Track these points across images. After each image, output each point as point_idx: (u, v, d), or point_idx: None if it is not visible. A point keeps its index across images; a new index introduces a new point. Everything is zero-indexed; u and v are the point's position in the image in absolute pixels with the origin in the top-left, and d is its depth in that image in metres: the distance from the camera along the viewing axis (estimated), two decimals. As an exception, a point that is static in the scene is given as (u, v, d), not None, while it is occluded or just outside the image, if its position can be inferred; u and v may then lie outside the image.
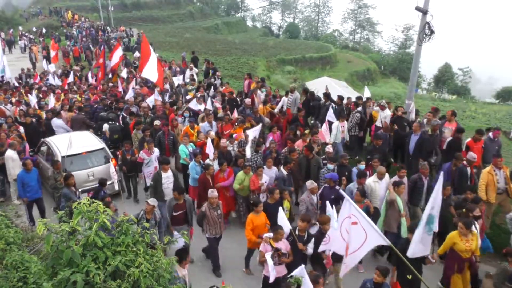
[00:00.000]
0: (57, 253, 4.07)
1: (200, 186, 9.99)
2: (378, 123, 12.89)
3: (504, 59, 79.60)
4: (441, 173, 6.75)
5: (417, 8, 12.15)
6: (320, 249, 7.18)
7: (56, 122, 14.13)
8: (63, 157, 11.15)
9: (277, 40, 63.48)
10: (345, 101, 14.18)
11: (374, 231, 5.84)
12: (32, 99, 16.78)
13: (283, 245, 7.31)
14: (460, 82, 57.78)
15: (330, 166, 9.93)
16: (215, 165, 10.56)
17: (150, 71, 16.21)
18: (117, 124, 13.72)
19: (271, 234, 7.19)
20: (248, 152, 11.18)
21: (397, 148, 12.11)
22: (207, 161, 10.65)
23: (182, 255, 6.44)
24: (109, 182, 11.52)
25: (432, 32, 12.03)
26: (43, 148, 12.30)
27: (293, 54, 45.44)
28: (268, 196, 9.10)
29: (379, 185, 9.25)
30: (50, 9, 56.65)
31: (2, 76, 21.38)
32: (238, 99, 16.49)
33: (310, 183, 8.96)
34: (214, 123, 13.60)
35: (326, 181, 9.42)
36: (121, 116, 14.58)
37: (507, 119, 30.33)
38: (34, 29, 42.18)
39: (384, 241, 5.81)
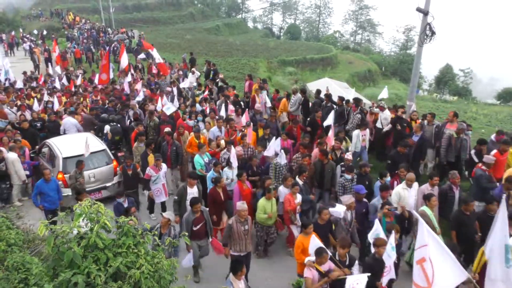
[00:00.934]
0: (58, 255, 4.06)
1: (209, 200, 9.22)
2: (378, 124, 12.90)
3: (505, 60, 79.54)
4: (503, 202, 5.80)
5: (418, 9, 12.15)
6: (384, 282, 6.47)
7: (70, 121, 14.15)
8: (64, 158, 11.15)
9: (278, 41, 63.62)
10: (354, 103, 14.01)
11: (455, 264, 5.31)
12: (36, 102, 16.56)
13: (328, 267, 6.59)
14: (461, 83, 57.78)
15: (348, 176, 9.44)
16: (234, 174, 9.97)
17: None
18: (119, 125, 13.71)
19: (313, 258, 6.56)
20: (283, 158, 10.16)
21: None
22: (225, 170, 10.10)
23: (237, 266, 6.20)
24: (108, 184, 11.57)
25: (433, 33, 12.03)
26: (45, 150, 12.29)
27: (294, 55, 45.50)
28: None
29: (408, 193, 8.69)
30: (51, 11, 56.71)
31: (6, 79, 21.19)
32: (242, 101, 16.25)
33: (347, 199, 8.17)
34: (223, 128, 12.94)
35: (353, 195, 8.62)
36: (128, 120, 14.44)
37: (508, 120, 30.29)
38: (35, 32, 42.18)
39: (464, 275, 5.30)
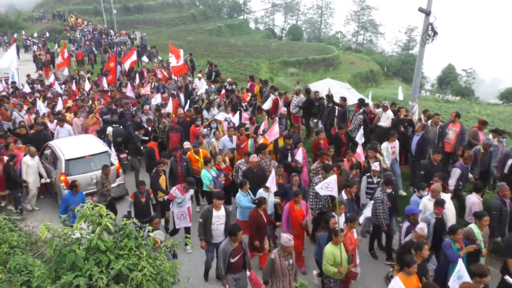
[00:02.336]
0: (60, 257, 4.07)
1: (253, 224, 8.28)
2: (381, 123, 12.86)
3: (507, 60, 79.25)
4: None
5: (420, 9, 12.14)
6: None
7: (62, 131, 13.70)
8: (66, 160, 11.16)
9: (280, 42, 63.66)
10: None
11: None
12: (41, 106, 16.03)
13: None
14: (464, 83, 57.67)
15: (388, 190, 8.77)
16: (271, 197, 9.02)
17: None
18: (121, 127, 13.72)
19: None
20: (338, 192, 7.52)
21: (402, 150, 12.10)
22: (260, 191, 8.98)
23: None
24: (113, 185, 11.56)
25: (435, 33, 12.01)
26: (47, 152, 12.31)
27: (296, 56, 45.55)
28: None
29: (432, 205, 8.13)
30: (53, 13, 56.93)
31: (14, 82, 20.72)
32: (250, 104, 15.76)
33: (420, 227, 7.10)
34: (234, 137, 12.02)
35: (409, 217, 7.79)
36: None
37: (511, 120, 30.23)
38: (35, 34, 42.25)
39: None
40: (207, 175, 10.20)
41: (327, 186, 6.96)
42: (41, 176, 11.65)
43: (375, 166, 9.53)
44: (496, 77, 74.29)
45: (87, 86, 20.34)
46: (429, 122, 11.89)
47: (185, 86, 18.80)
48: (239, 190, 9.05)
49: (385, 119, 12.61)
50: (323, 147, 11.47)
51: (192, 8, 77.35)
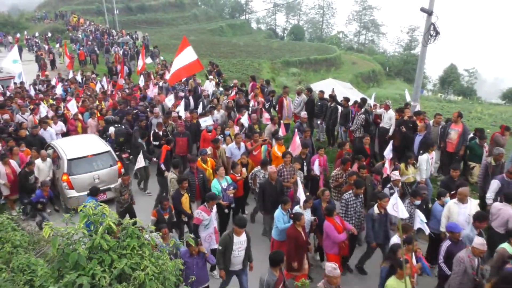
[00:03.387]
0: (63, 256, 4.08)
1: (291, 243, 7.56)
2: (383, 124, 12.85)
3: (510, 60, 79.18)
4: None
5: (422, 9, 12.13)
6: None
7: (45, 133, 13.35)
8: (68, 160, 11.18)
9: (282, 42, 63.64)
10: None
11: None
12: (42, 109, 15.46)
13: None
14: (466, 83, 57.56)
15: (417, 202, 8.13)
16: (308, 215, 8.22)
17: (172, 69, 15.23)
18: (123, 127, 13.72)
19: None
20: (404, 211, 6.71)
21: (404, 150, 12.09)
22: (296, 209, 8.20)
23: None
24: (112, 186, 11.59)
25: (437, 33, 12.00)
26: (49, 151, 12.34)
27: (297, 56, 45.55)
28: None
29: (458, 208, 7.80)
30: (56, 13, 57.06)
31: (22, 82, 20.36)
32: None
33: (480, 242, 6.37)
34: (243, 144, 11.39)
35: (449, 235, 7.13)
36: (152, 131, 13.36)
37: (514, 120, 30.13)
38: (37, 34, 42.31)
39: None
40: (217, 185, 9.30)
41: (396, 207, 6.51)
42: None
43: (395, 175, 8.98)
44: (498, 77, 74.27)
45: (98, 86, 20.09)
46: (431, 122, 11.88)
47: (194, 88, 18.11)
48: (279, 208, 8.14)
49: (387, 119, 12.60)
50: (349, 158, 10.51)
51: (194, 8, 77.41)
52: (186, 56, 14.66)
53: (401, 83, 49.90)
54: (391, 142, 10.56)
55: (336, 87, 17.19)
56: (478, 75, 61.67)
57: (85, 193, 10.92)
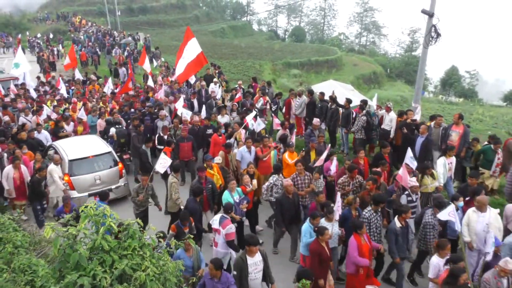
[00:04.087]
0: (64, 257, 4.08)
1: (315, 259, 7.07)
2: (384, 126, 12.85)
3: (511, 62, 79.22)
4: None
5: (423, 11, 12.14)
6: None
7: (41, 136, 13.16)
8: (70, 160, 11.20)
9: (283, 43, 63.70)
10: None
11: None
12: (47, 109, 15.42)
13: None
14: (467, 85, 57.59)
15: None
16: (335, 228, 7.77)
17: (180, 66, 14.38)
18: (124, 128, 13.75)
19: None
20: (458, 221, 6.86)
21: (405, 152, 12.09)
22: (322, 222, 7.64)
23: None
24: (113, 187, 11.61)
25: (438, 34, 12.01)
26: (50, 152, 12.35)
27: (299, 58, 45.60)
28: None
29: (476, 218, 7.57)
30: (58, 14, 57.21)
31: (23, 84, 20.08)
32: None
33: (505, 263, 6.05)
34: (253, 148, 10.88)
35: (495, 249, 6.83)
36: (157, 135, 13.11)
37: (515, 122, 30.09)
38: (39, 35, 42.39)
39: None
40: (229, 199, 8.62)
41: (451, 214, 6.49)
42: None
43: (413, 181, 8.66)
44: (500, 78, 74.26)
45: (106, 88, 19.90)
46: (432, 123, 11.87)
47: (198, 91, 17.68)
48: (307, 222, 7.70)
49: (388, 121, 12.60)
50: (363, 168, 10.29)
51: (195, 9, 77.51)
52: (192, 50, 14.07)
53: (402, 84, 49.90)
54: (409, 149, 9.88)
55: (337, 89, 17.17)
56: (479, 77, 61.70)
57: (86, 194, 10.98)
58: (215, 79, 18.16)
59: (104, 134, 13.75)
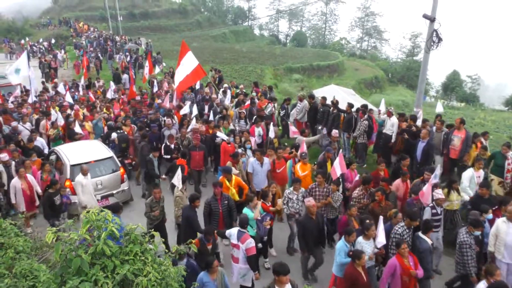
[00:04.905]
0: (66, 262, 4.08)
1: (348, 284, 6.55)
2: (385, 131, 12.83)
3: (513, 66, 79.22)
4: None
5: (425, 16, 12.17)
6: None
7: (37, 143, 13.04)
8: (71, 165, 11.19)
9: (284, 48, 63.82)
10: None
11: None
12: (54, 115, 15.00)
13: None
14: (469, 90, 57.53)
15: (477, 232, 7.26)
16: (370, 246, 7.15)
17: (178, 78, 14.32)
18: (126, 133, 13.74)
19: None
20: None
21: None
22: (359, 240, 7.12)
23: None
24: (115, 191, 11.60)
25: (439, 39, 12.03)
26: (52, 157, 12.35)
27: (300, 62, 45.63)
28: None
29: (506, 228, 7.25)
30: (60, 19, 57.49)
31: (28, 90, 19.80)
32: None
33: None
34: (266, 159, 10.41)
35: None
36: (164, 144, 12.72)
37: (517, 127, 30.03)
38: (41, 40, 42.54)
39: None
40: (250, 215, 8.04)
41: None
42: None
43: (438, 194, 8.16)
44: (501, 83, 74.26)
45: (109, 94, 19.77)
46: (434, 128, 11.86)
47: (202, 98, 17.17)
48: (342, 239, 7.11)
49: (390, 126, 12.59)
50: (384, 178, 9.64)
51: (197, 14, 77.79)
52: (188, 63, 14.14)
53: (403, 89, 49.91)
54: (439, 166, 9.41)
55: (339, 93, 17.21)
56: (481, 81, 61.66)
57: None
58: (225, 85, 17.66)
59: (106, 139, 13.76)
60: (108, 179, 11.57)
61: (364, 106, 13.62)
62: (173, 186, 10.03)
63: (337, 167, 9.25)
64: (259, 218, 8.02)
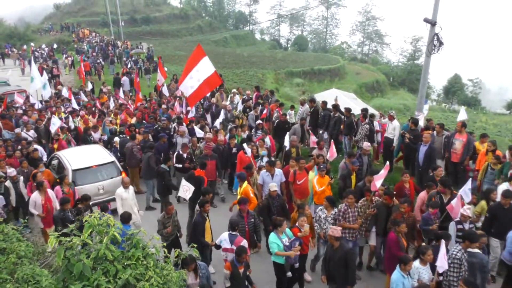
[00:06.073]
0: (68, 267, 4.08)
1: None
2: (387, 134, 12.84)
3: (514, 70, 79.16)
4: None
5: (426, 20, 12.19)
6: None
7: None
8: (73, 170, 11.20)
9: (286, 52, 63.94)
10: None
11: None
12: (56, 122, 14.43)
13: None
14: (470, 93, 57.55)
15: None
16: (426, 272, 6.59)
17: (188, 85, 13.30)
18: (128, 137, 13.75)
19: None
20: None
21: (408, 160, 12.08)
22: (416, 265, 6.56)
23: None
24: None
25: (441, 43, 12.06)
26: (54, 162, 12.37)
27: (301, 67, 45.71)
28: None
29: None
30: (62, 25, 57.74)
31: (28, 96, 19.94)
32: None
33: None
34: (279, 171, 9.91)
35: None
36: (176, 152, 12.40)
37: (519, 130, 30.02)
38: (43, 46, 42.67)
39: None
40: (276, 240, 7.35)
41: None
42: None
43: (467, 210, 7.65)
44: (503, 86, 74.26)
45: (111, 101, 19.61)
46: (435, 132, 11.87)
47: (208, 106, 16.80)
48: (397, 268, 6.42)
49: (391, 129, 12.59)
50: (409, 192, 9.18)
51: (198, 19, 77.96)
52: (204, 69, 13.05)
53: (405, 93, 49.92)
54: (470, 180, 8.53)
55: (340, 97, 17.21)
56: (482, 85, 61.66)
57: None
58: (234, 90, 17.32)
59: (108, 144, 13.78)
60: (110, 183, 11.56)
61: (365, 110, 13.64)
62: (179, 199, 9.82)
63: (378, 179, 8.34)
64: (287, 244, 7.32)
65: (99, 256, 4.14)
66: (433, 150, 10.98)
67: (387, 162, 9.39)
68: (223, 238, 7.28)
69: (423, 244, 6.80)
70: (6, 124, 15.06)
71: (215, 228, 8.52)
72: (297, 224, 7.65)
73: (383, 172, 8.39)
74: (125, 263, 4.22)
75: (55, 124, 14.13)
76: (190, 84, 13.30)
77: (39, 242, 7.32)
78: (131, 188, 9.95)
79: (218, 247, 7.64)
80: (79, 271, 3.97)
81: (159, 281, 4.19)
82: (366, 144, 11.10)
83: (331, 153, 10.31)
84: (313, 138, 12.46)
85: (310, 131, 13.90)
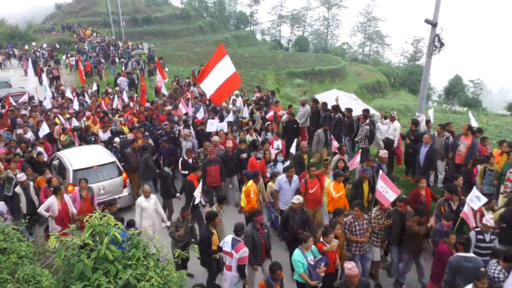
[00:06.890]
0: (68, 267, 4.08)
1: None
2: (388, 135, 12.82)
3: (515, 71, 79.09)
4: None
5: (427, 21, 12.18)
6: None
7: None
8: (74, 170, 11.21)
9: (287, 53, 63.99)
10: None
11: None
12: (45, 128, 14.33)
13: None
14: (471, 94, 57.55)
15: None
16: None
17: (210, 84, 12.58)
18: (128, 137, 13.75)
19: None
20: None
21: (409, 161, 12.06)
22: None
23: None
24: (117, 196, 11.57)
25: (442, 44, 12.05)
26: (55, 162, 12.37)
27: (302, 67, 45.74)
28: None
29: None
30: (63, 25, 57.79)
31: (32, 97, 19.91)
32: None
33: None
34: (295, 177, 9.47)
35: None
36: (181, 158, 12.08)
37: (520, 131, 29.96)
38: (44, 46, 42.70)
39: None
40: (302, 260, 6.84)
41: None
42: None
43: (489, 220, 7.22)
44: (504, 87, 74.16)
45: (115, 103, 19.30)
46: (435, 132, 11.86)
47: (212, 108, 16.43)
48: None
49: (392, 130, 12.57)
50: (425, 200, 8.68)
51: (199, 19, 77.99)
52: (224, 70, 12.76)
53: (406, 94, 49.94)
54: (475, 188, 8.18)
55: (341, 98, 17.20)
56: (483, 86, 61.62)
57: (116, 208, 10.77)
58: (236, 92, 17.11)
59: (109, 144, 13.78)
60: (111, 184, 11.58)
61: (366, 111, 13.63)
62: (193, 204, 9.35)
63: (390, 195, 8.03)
64: (311, 263, 6.86)
65: (100, 256, 4.14)
66: (434, 151, 10.97)
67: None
68: (226, 241, 7.18)
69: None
70: (3, 125, 15.01)
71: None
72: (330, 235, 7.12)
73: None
74: (126, 263, 4.22)
75: (44, 129, 14.03)
76: (213, 81, 12.74)
77: (40, 242, 7.31)
78: (153, 197, 9.43)
79: (220, 249, 7.53)
80: (79, 271, 3.96)
81: (159, 281, 4.19)
82: (383, 152, 10.65)
83: (353, 161, 9.91)
84: (335, 143, 12.07)
85: (332, 136, 13.27)
